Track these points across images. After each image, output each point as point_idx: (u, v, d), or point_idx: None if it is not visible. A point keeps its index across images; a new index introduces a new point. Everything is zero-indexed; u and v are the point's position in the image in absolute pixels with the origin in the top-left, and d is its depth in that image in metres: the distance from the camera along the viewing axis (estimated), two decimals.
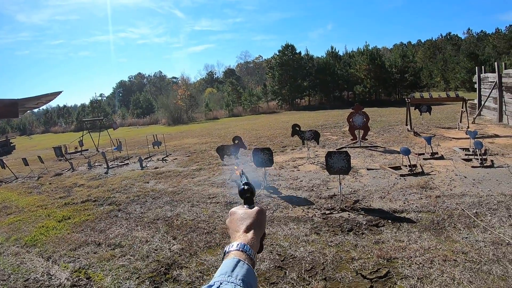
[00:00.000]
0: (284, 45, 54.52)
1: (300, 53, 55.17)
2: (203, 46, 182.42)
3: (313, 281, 5.11)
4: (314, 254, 5.88)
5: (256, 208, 1.44)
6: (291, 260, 5.70)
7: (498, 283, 4.72)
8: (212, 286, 1.06)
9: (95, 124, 33.16)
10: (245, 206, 1.47)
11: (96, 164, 16.37)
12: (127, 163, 15.72)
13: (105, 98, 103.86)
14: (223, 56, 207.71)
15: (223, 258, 1.22)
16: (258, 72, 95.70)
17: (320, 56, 59.81)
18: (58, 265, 6.25)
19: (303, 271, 5.39)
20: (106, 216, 8.71)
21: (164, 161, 15.47)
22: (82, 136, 23.14)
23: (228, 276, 1.09)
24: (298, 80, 52.98)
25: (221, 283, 1.06)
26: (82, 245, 7.00)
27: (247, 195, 1.50)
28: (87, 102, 77.77)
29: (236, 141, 11.64)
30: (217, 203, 8.98)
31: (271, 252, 6.00)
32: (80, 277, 5.72)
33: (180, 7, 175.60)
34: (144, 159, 15.97)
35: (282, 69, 53.27)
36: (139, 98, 71.90)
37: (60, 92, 7.10)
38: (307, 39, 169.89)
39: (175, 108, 49.06)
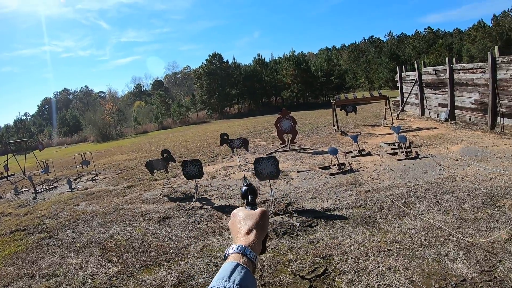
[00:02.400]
0: (211, 54, 54.37)
1: (227, 61, 55.26)
2: (130, 58, 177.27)
3: None
4: None
5: (258, 209, 1.37)
6: None
7: (432, 266, 4.89)
8: None
9: (21, 146, 31.42)
10: (247, 207, 1.40)
11: (24, 189, 15.38)
12: (56, 186, 14.80)
13: (30, 117, 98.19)
14: (151, 68, 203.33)
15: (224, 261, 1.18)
16: (187, 82, 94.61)
17: (247, 64, 60.26)
18: None
19: None
20: (37, 245, 8.09)
21: (94, 181, 14.75)
22: (7, 160, 21.59)
23: (225, 281, 1.05)
24: (227, 88, 52.90)
25: None
26: (15, 279, 6.46)
27: (250, 196, 1.44)
28: (11, 123, 73.39)
29: (165, 155, 11.30)
30: (150, 220, 8.65)
31: (208, 265, 5.85)
32: None
33: (106, 18, 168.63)
34: (73, 180, 15.16)
35: (210, 78, 53.01)
36: (66, 115, 68.86)
37: None
38: (234, 47, 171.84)
39: (103, 124, 46.71)
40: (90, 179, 15.26)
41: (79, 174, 16.53)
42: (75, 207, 11.02)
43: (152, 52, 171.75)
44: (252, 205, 1.41)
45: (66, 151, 37.76)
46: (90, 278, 6.04)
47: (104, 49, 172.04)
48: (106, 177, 15.20)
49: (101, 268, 6.37)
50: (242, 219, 1.32)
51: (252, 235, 1.25)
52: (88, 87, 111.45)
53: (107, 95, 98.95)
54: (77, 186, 14.02)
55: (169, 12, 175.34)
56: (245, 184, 1.48)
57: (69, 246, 7.72)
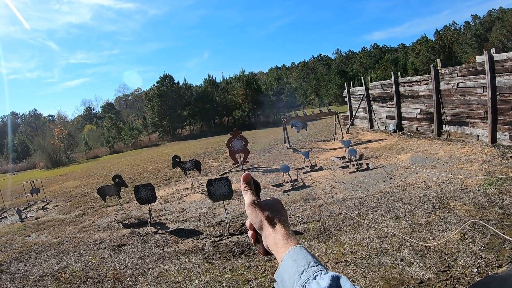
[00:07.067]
0: (162, 76, 53.85)
1: (178, 83, 54.76)
2: (79, 80, 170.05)
3: None
4: (210, 283, 5.70)
5: (271, 199, 1.19)
6: None
7: (390, 272, 4.97)
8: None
9: None
10: None
11: None
12: (5, 217, 14.13)
13: None
14: (101, 90, 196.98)
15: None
16: (138, 104, 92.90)
17: (198, 85, 60.24)
18: None
19: None
20: None
21: (45, 210, 14.19)
22: None
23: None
24: (178, 110, 52.42)
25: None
26: None
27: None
28: None
29: (117, 180, 11.02)
30: (105, 248, 8.37)
31: None
32: None
33: (54, 38, 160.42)
34: (23, 209, 14.49)
35: (161, 100, 52.41)
36: (14, 140, 66.21)
37: None
38: (184, 69, 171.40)
39: (53, 149, 44.55)
40: (41, 207, 14.65)
41: (29, 203, 15.89)
42: (26, 238, 10.50)
43: (102, 74, 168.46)
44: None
45: (14, 178, 36.26)
46: None
47: (52, 71, 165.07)
48: (57, 205, 14.65)
49: None
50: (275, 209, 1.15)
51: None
52: (36, 110, 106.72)
53: (56, 119, 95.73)
54: (28, 216, 13.43)
55: (119, 33, 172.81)
56: None
57: (22, 280, 7.32)
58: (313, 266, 0.90)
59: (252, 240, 1.17)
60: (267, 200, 1.18)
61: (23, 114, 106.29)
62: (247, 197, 1.18)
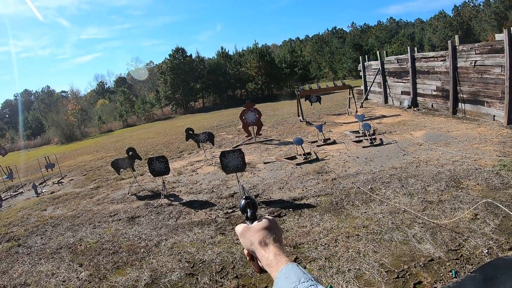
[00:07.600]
0: (174, 49, 53.51)
1: (191, 55, 54.44)
2: (91, 55, 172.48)
3: (226, 281, 5.03)
4: (223, 254, 5.78)
5: (264, 220, 1.28)
6: (200, 265, 5.57)
7: (401, 248, 5.02)
8: None
9: None
10: (247, 222, 1.31)
11: None
12: (21, 192, 14.30)
13: None
14: (113, 64, 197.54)
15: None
16: (150, 78, 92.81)
17: (211, 57, 59.91)
18: None
19: (214, 273, 5.28)
20: (6, 255, 7.75)
21: (60, 184, 14.35)
22: None
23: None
24: (191, 83, 52.29)
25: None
26: None
27: (250, 210, 1.33)
28: None
29: (130, 153, 11.07)
30: (119, 220, 8.48)
31: (180, 261, 5.80)
32: None
33: (65, 15, 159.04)
34: (39, 184, 14.63)
35: (174, 73, 52.24)
36: (28, 117, 66.71)
37: None
38: (197, 41, 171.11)
39: (66, 124, 45.05)
40: (56, 182, 14.81)
41: (44, 178, 16.07)
42: (42, 212, 10.65)
43: (114, 48, 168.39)
44: (252, 220, 1.30)
45: (30, 154, 36.58)
46: (62, 284, 5.88)
47: (64, 47, 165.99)
48: (72, 179, 14.81)
49: (73, 273, 6.20)
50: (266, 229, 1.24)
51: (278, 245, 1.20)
52: (49, 87, 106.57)
53: (69, 95, 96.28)
54: (43, 191, 13.59)
55: (130, 7, 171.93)
56: (244, 196, 1.37)
57: (39, 253, 7.45)
58: (304, 282, 0.98)
59: (248, 258, 1.26)
60: (260, 222, 1.27)
61: (36, 91, 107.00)
62: (238, 226, 1.28)
